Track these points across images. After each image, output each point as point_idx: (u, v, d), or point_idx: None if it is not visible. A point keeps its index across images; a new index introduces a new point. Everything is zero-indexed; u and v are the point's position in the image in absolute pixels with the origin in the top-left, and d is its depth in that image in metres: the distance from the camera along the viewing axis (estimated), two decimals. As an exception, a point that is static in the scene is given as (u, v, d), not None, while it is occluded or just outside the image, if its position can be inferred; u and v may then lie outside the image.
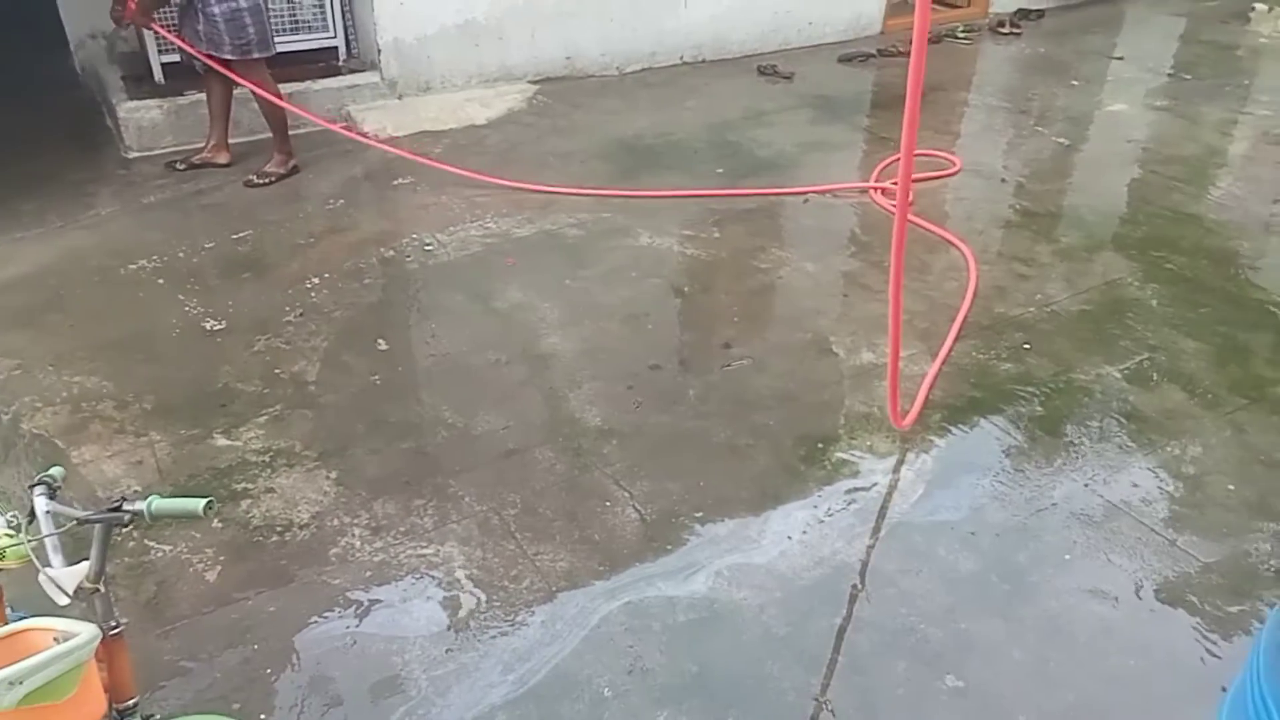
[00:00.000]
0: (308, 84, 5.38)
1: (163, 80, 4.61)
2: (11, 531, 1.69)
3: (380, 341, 3.53)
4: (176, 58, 4.54)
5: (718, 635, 2.38)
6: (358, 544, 2.63)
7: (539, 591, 2.50)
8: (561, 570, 2.57)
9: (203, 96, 4.75)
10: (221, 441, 2.98)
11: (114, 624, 1.63)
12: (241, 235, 4.21)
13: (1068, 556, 2.62)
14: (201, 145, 4.82)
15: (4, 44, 6.45)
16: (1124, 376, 3.38)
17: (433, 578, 2.54)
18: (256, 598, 2.46)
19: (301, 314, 3.66)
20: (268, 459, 2.92)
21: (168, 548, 2.59)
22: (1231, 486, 2.86)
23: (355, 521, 2.71)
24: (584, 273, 4.02)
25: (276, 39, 4.97)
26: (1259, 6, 7.66)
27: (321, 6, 5.50)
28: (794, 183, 4.90)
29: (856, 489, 2.86)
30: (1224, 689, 2.07)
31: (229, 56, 4.40)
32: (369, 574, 2.54)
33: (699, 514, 2.76)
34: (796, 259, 4.18)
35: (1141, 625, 2.42)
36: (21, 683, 1.41)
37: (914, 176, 4.66)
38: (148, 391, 3.19)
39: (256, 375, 3.30)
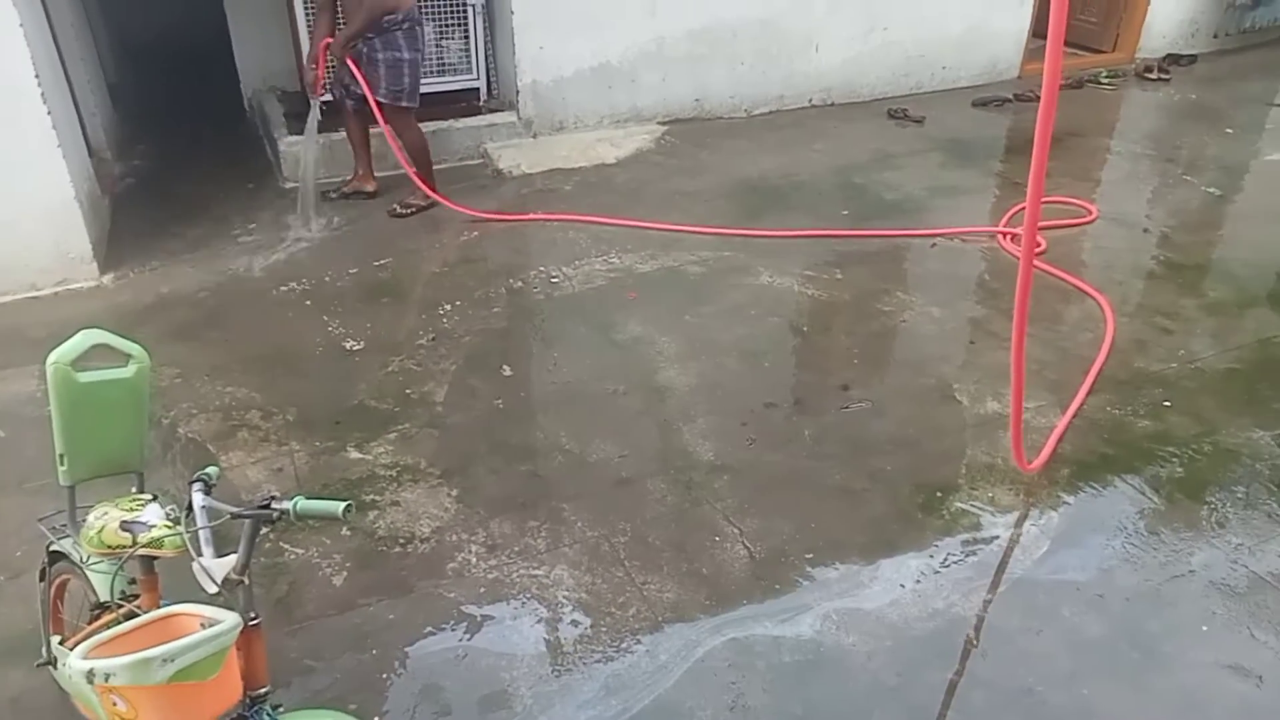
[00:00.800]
0: (450, 122, 5.68)
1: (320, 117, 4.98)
2: (170, 523, 1.85)
3: (505, 367, 3.66)
4: (329, 97, 4.88)
5: (823, 679, 2.34)
6: (474, 560, 2.73)
7: (645, 620, 2.52)
8: (668, 601, 2.58)
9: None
10: (354, 454, 3.16)
11: (253, 615, 1.74)
12: (382, 262, 4.47)
13: (1205, 628, 2.45)
14: (350, 176, 5.15)
15: (184, 79, 7.10)
16: (1276, 441, 3.15)
17: (543, 598, 2.60)
18: (377, 605, 2.58)
19: (433, 338, 3.84)
20: (395, 473, 3.07)
21: (300, 550, 2.75)
22: (1401, 567, 2.62)
23: (473, 538, 2.81)
24: (704, 309, 4.07)
25: (426, 81, 5.40)
26: None
27: (467, 51, 5.82)
28: (921, 227, 4.83)
29: (976, 541, 2.77)
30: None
31: (381, 99, 4.72)
32: (483, 590, 2.63)
33: (809, 555, 2.73)
34: (921, 303, 4.10)
35: (1290, 710, 2.24)
36: (173, 660, 1.53)
37: (1045, 223, 4.55)
38: (291, 404, 3.42)
39: (389, 394, 3.48)
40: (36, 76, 3.86)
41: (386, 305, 4.11)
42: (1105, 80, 7.13)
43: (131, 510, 1.90)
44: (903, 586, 2.61)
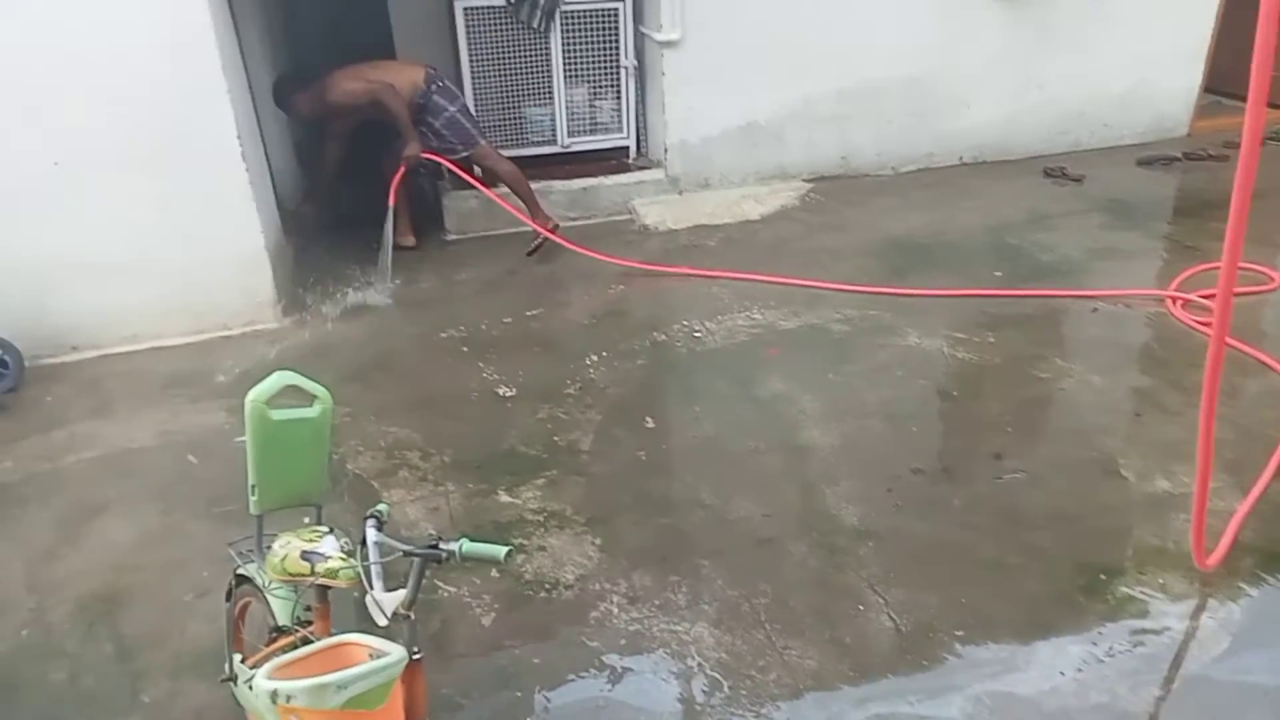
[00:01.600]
0: (600, 179, 5.89)
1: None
2: (345, 556, 1.97)
3: (648, 419, 3.73)
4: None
5: (975, 765, 2.23)
6: (615, 610, 2.77)
7: (785, 687, 2.49)
8: (810, 669, 2.54)
9: (505, 190, 5.37)
10: (505, 498, 3.28)
11: (416, 649, 1.83)
12: (535, 313, 4.66)
13: None
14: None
15: (361, 137, 7.65)
16: None
17: (682, 655, 2.60)
18: (523, 648, 2.65)
19: (580, 388, 3.96)
20: (542, 519, 3.17)
21: (453, 589, 2.87)
22: None
23: (615, 589, 2.85)
24: (847, 368, 4.02)
25: (581, 139, 5.93)
26: None
27: (619, 110, 6.04)
28: (1080, 289, 4.62)
29: (1145, 630, 2.59)
30: None
31: (460, 157, 5.11)
32: (623, 641, 2.66)
33: (959, 632, 2.62)
34: (1081, 370, 3.92)
35: None
36: (347, 688, 1.63)
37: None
38: (448, 446, 3.59)
39: (539, 440, 3.60)
40: (238, 137, 4.28)
41: (538, 354, 4.27)
42: (1295, 138, 6.65)
43: (311, 541, 2.03)
44: (1062, 674, 2.47)
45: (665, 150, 5.96)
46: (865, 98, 6.12)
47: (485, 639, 2.69)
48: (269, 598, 2.18)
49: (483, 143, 5.22)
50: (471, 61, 5.58)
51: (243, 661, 2.24)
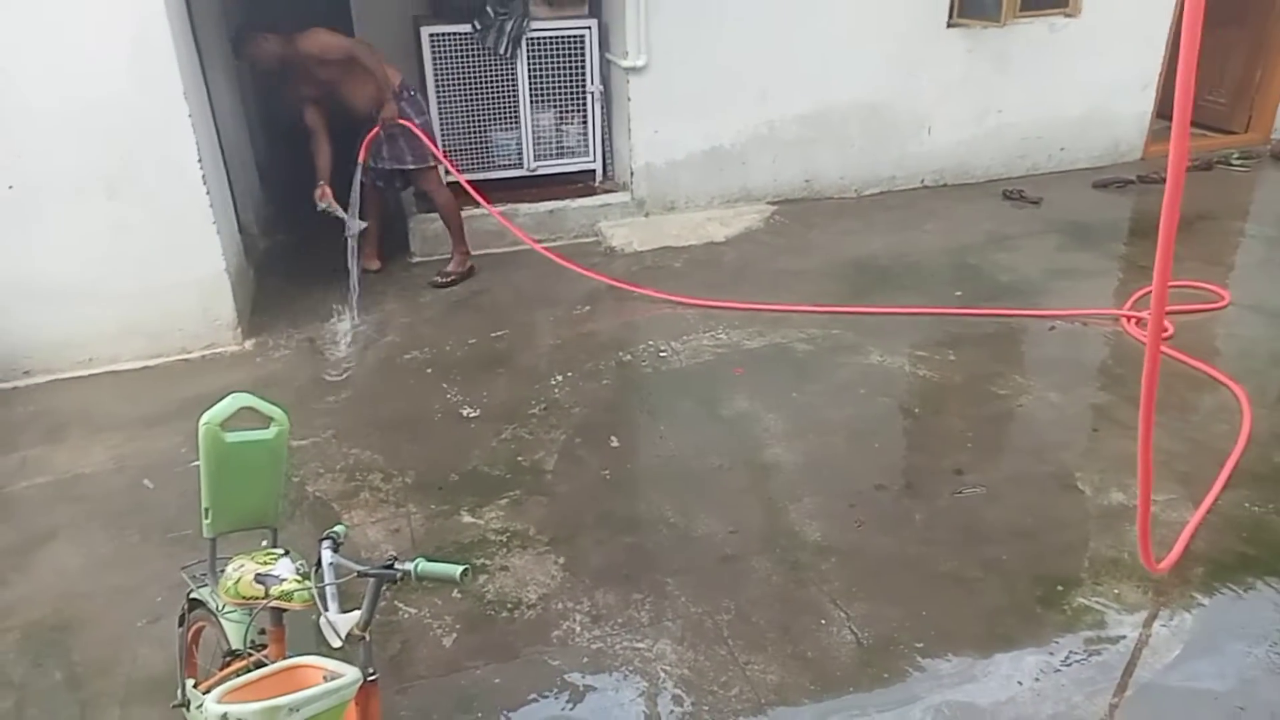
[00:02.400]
0: (566, 202, 5.93)
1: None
2: (300, 578, 1.95)
3: (613, 439, 3.73)
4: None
5: (935, 778, 2.24)
6: (578, 629, 2.75)
7: (748, 702, 2.48)
8: (772, 683, 2.54)
9: (477, 212, 5.37)
10: (467, 519, 3.26)
11: (372, 671, 1.80)
12: (499, 334, 4.66)
13: (1368, 753, 2.24)
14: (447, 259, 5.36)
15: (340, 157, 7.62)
16: None
17: (645, 672, 2.59)
18: (484, 668, 2.63)
19: (545, 408, 3.96)
20: (505, 539, 3.15)
21: (414, 610, 2.84)
22: None
23: (578, 607, 2.84)
24: (811, 387, 4.06)
25: (547, 163, 5.97)
26: None
27: (585, 135, 6.09)
28: (1038, 309, 4.71)
29: (1100, 640, 2.63)
30: None
31: (412, 167, 5.03)
32: (586, 660, 2.64)
33: (919, 644, 2.64)
34: (1039, 388, 3.98)
35: None
36: (299, 710, 1.61)
37: (1173, 308, 4.37)
38: (410, 467, 3.56)
39: (502, 461, 3.59)
40: (199, 160, 4.26)
41: (501, 375, 4.26)
42: (1237, 162, 6.86)
43: (265, 564, 2.01)
44: (1020, 683, 2.49)
45: (631, 173, 6.01)
46: (828, 122, 6.23)
47: (446, 660, 2.66)
48: (222, 621, 2.15)
49: (433, 165, 5.14)
50: (438, 86, 5.62)
51: (195, 687, 2.20)
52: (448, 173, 5.10)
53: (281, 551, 2.08)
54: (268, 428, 2.17)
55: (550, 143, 6.02)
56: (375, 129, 4.94)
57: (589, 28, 5.77)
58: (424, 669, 2.63)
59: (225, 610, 2.11)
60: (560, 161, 6.08)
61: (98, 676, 2.65)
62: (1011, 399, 3.92)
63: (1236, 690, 2.44)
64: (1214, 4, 2.52)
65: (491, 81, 5.70)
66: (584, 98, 5.97)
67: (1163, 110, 6.90)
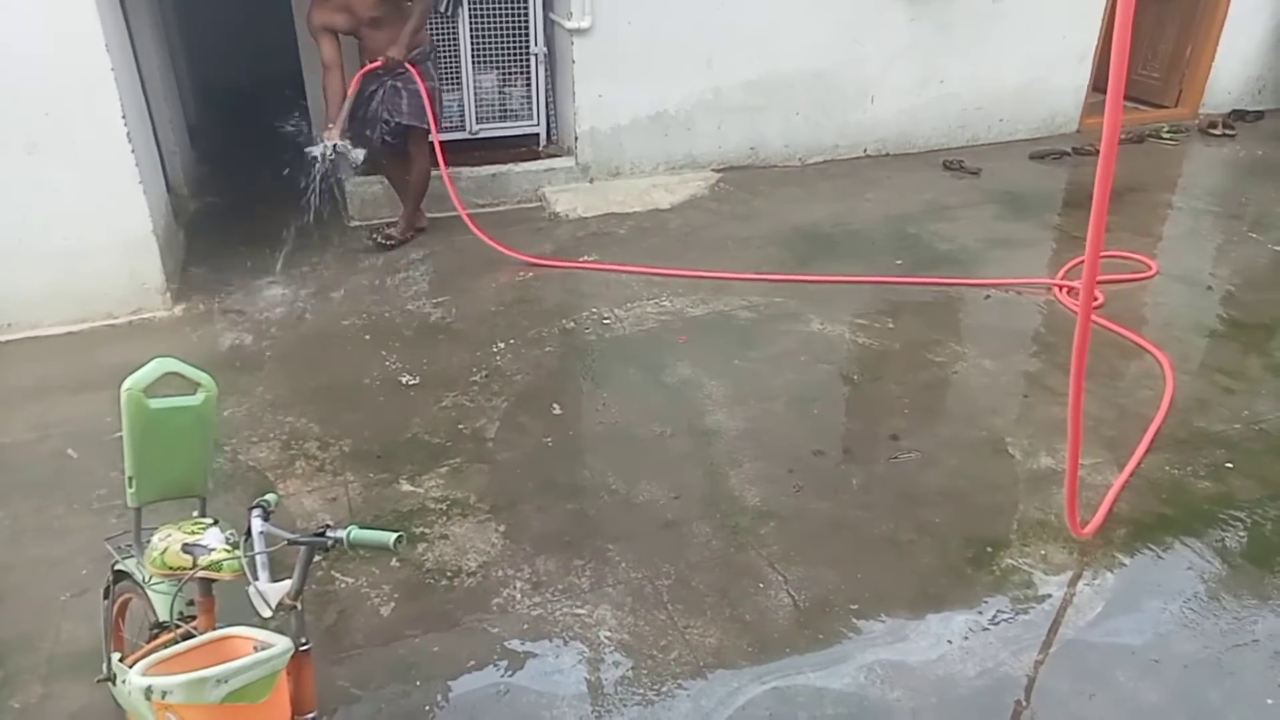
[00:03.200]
0: (509, 166, 5.83)
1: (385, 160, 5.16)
2: (229, 548, 1.91)
3: (555, 406, 3.71)
4: (361, 152, 4.95)
5: (866, 734, 2.30)
6: (518, 596, 2.75)
7: (687, 665, 2.52)
8: (710, 646, 2.57)
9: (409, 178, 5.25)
10: (406, 487, 3.22)
11: (304, 641, 1.79)
12: (440, 300, 4.58)
13: (1270, 701, 2.36)
14: (397, 222, 5.26)
15: (258, 121, 7.40)
16: (1348, 508, 3.04)
17: (585, 638, 2.61)
18: (423, 637, 2.61)
19: (486, 375, 3.92)
20: (445, 507, 3.13)
21: (350, 580, 2.80)
22: None
23: (518, 575, 2.83)
24: (753, 354, 4.08)
25: (490, 126, 5.86)
26: None
27: (529, 98, 5.99)
28: (975, 278, 4.80)
29: (1026, 599, 2.71)
30: None
31: (409, 123, 4.88)
32: (526, 627, 2.65)
33: (854, 606, 2.70)
34: (974, 355, 4.07)
35: (1361, 791, 2.14)
36: (226, 681, 1.58)
37: (1103, 277, 4.49)
38: (347, 436, 3.50)
39: (442, 429, 3.55)
40: (124, 117, 4.08)
41: (442, 342, 4.20)
42: (1167, 135, 7.05)
43: (193, 533, 1.96)
44: (950, 642, 2.56)
45: (575, 138, 5.93)
46: (774, 90, 6.22)
47: (384, 629, 2.64)
48: (149, 593, 2.09)
49: (426, 129, 4.95)
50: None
51: (122, 660, 2.15)
52: (427, 135, 4.96)
53: (210, 521, 2.04)
54: (195, 393, 2.12)
55: (493, 105, 5.91)
56: (377, 62, 4.75)
57: (533, -13, 5.65)
58: (361, 638, 2.61)
59: (152, 581, 2.06)
60: (503, 125, 5.98)
61: (19, 652, 2.57)
62: (947, 366, 3.99)
63: (1153, 644, 2.55)
64: (1147, -23, 2.56)
65: (433, 41, 5.55)
66: (528, 59, 5.86)
67: (1099, 83, 7.04)
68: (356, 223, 5.47)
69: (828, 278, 4.78)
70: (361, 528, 1.72)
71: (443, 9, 5.45)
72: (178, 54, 6.55)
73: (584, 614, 2.69)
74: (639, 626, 2.64)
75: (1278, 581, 2.77)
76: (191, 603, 2.06)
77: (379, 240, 5.13)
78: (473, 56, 5.68)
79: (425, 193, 5.22)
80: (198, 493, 2.19)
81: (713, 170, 6.27)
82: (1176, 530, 2.99)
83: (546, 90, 6.00)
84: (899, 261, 5.01)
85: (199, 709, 1.59)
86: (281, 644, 1.67)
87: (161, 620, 2.08)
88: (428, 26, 5.03)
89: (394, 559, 2.84)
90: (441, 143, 4.98)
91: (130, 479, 2.05)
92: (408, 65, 4.79)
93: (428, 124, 4.92)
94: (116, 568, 2.20)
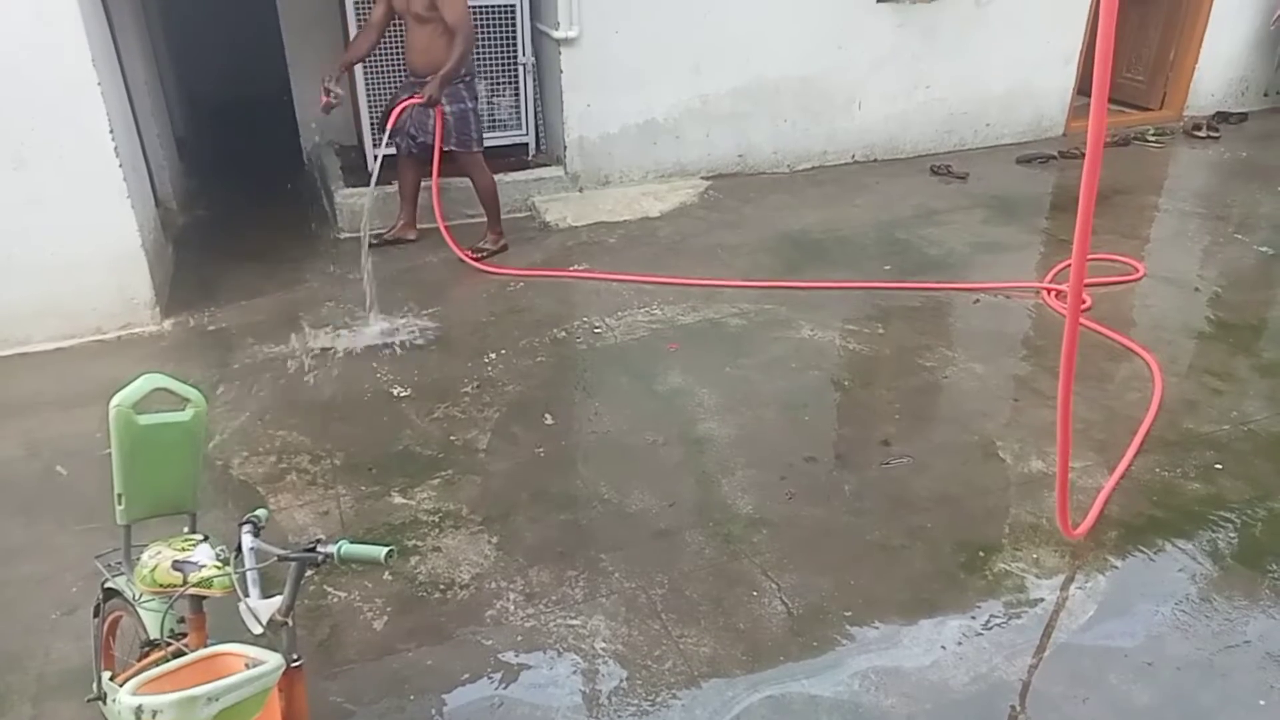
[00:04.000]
0: (499, 176, 5.80)
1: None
2: (220, 564, 1.90)
3: (547, 416, 3.71)
4: (391, 151, 5.04)
5: (862, 741, 2.30)
6: (512, 608, 2.74)
7: (681, 675, 2.51)
8: (705, 655, 2.57)
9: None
10: (398, 500, 3.21)
11: (296, 657, 1.78)
12: (431, 311, 4.57)
13: (1263, 702, 2.37)
14: (393, 224, 5.30)
15: (247, 134, 7.39)
16: (1336, 507, 3.06)
17: (579, 649, 2.60)
18: (416, 650, 2.60)
19: (478, 386, 3.91)
20: (437, 519, 3.12)
21: (343, 594, 2.79)
22: None
23: (511, 586, 2.83)
24: (744, 361, 4.09)
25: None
26: None
27: (517, 108, 6.00)
28: (964, 282, 4.82)
29: (1020, 603, 2.72)
30: None
31: (454, 148, 4.97)
32: (520, 639, 2.64)
33: (848, 613, 2.70)
34: (964, 359, 4.08)
35: (1353, 791, 2.15)
36: (218, 699, 1.57)
37: (1091, 280, 4.52)
38: (339, 449, 3.49)
39: (434, 440, 3.54)
40: (111, 132, 4.07)
41: (434, 353, 4.20)
42: (1152, 138, 7.10)
43: (183, 550, 1.95)
44: (944, 648, 2.57)
45: (565, 147, 5.94)
46: (761, 97, 6.24)
47: (377, 643, 2.63)
48: (139, 610, 2.08)
49: (476, 150, 5.08)
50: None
51: (112, 679, 2.13)
52: (432, 145, 4.99)
53: (200, 537, 2.03)
54: (183, 409, 2.11)
55: (482, 115, 5.89)
56: (415, 98, 4.79)
57: (520, -2, 5.66)
58: (354, 653, 2.59)
59: (142, 599, 2.05)
60: (492, 135, 5.96)
61: (8, 671, 2.55)
62: (938, 370, 4.01)
63: (1145, 646, 2.56)
64: (1129, -17, 2.58)
65: (473, 61, 5.55)
66: (516, 69, 5.87)
67: (1084, 87, 7.09)
68: (346, 234, 5.47)
69: (818, 284, 4.79)
70: (352, 542, 1.71)
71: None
72: (165, 67, 6.54)
73: (578, 625, 2.68)
74: (633, 636, 2.64)
75: (1268, 582, 2.78)
76: (182, 620, 2.05)
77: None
78: (461, 67, 5.68)
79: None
80: (187, 509, 2.18)
81: (702, 178, 6.29)
82: (1167, 532, 3.00)
83: (535, 100, 6.01)
84: (888, 267, 5.03)
85: (190, 728, 1.58)
86: (273, 660, 1.66)
87: (152, 638, 2.06)
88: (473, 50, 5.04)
89: (386, 572, 2.83)
90: (449, 152, 5.02)
91: (119, 495, 2.03)
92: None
93: (470, 145, 5.01)
94: (106, 585, 2.19)
